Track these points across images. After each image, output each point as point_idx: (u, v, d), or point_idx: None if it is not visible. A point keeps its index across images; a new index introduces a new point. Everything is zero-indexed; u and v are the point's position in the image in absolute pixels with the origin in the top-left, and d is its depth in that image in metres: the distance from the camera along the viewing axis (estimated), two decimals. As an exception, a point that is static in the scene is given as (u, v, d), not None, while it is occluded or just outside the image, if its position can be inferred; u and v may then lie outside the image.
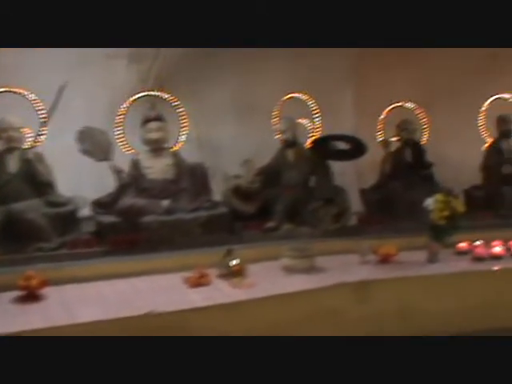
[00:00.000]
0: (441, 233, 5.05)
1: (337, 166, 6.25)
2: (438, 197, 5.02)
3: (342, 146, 5.86)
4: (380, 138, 6.47)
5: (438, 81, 7.32)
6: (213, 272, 4.63)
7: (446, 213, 4.94)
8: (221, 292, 4.33)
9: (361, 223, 5.89)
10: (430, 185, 6.09)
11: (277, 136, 6.00)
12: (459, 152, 7.23)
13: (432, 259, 5.13)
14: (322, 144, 5.82)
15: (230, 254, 4.68)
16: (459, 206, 5.04)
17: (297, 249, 4.87)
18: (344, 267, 4.95)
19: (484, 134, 6.75)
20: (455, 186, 6.42)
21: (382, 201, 6.02)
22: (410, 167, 6.19)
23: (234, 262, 4.60)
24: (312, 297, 4.37)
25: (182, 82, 6.46)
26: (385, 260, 5.11)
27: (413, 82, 7.21)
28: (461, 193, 6.45)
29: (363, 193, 6.20)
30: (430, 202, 5.01)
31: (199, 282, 4.45)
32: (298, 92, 6.26)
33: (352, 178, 6.99)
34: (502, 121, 6.59)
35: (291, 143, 5.93)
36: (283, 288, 4.39)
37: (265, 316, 4.10)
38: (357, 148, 5.79)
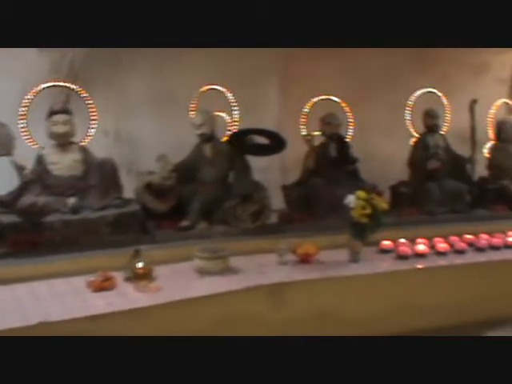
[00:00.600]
0: (362, 231, 4.84)
1: (260, 161, 6.02)
2: (360, 194, 4.81)
3: (262, 140, 5.58)
4: (304, 132, 6.18)
5: (368, 74, 7.16)
6: (120, 275, 4.32)
7: (367, 210, 4.74)
8: (125, 297, 4.03)
9: (281, 221, 5.63)
10: (355, 181, 5.89)
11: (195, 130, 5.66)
12: (389, 147, 7.10)
13: (354, 258, 4.94)
14: (239, 138, 5.53)
15: (137, 255, 4.36)
16: (381, 203, 4.85)
17: (210, 249, 4.59)
18: (261, 268, 4.71)
19: (411, 129, 6.57)
20: (384, 182, 6.32)
21: (304, 198, 5.75)
22: (334, 163, 5.95)
23: (140, 265, 4.29)
24: (225, 300, 4.12)
25: (98, 73, 6.10)
26: (304, 260, 4.88)
27: (341, 75, 7.03)
28: (387, 189, 6.30)
29: (285, 189, 5.93)
30: (350, 200, 4.80)
31: (103, 286, 4.13)
32: (218, 84, 5.94)
33: (276, 173, 6.76)
34: (427, 115, 6.43)
35: (208, 138, 5.59)
36: (194, 291, 4.12)
37: (172, 323, 3.84)
38: (276, 143, 5.52)
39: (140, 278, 4.23)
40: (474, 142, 6.29)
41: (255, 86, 6.60)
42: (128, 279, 4.30)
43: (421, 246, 5.17)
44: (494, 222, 6.18)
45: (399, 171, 6.51)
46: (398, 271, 4.80)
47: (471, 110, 6.28)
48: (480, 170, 6.74)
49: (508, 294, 4.97)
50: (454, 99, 6.87)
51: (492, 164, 6.71)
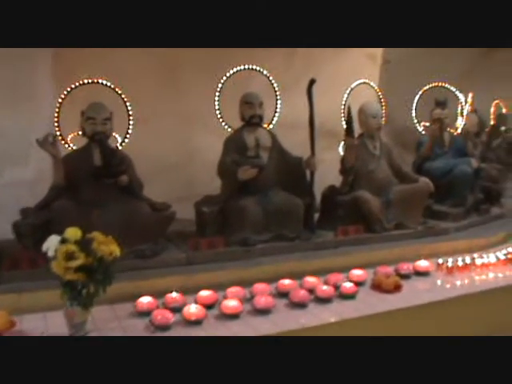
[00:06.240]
0: (81, 292, 2.98)
1: (24, 173, 4.59)
2: (68, 235, 2.94)
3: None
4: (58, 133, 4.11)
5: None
6: None
7: (77, 261, 2.87)
8: None
9: (3, 267, 3.63)
10: (131, 200, 4.02)
11: None
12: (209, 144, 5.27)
13: (75, 330, 3.06)
14: None
15: None
16: (108, 246, 2.99)
17: None
18: None
19: (223, 123, 4.71)
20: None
21: (43, 229, 3.73)
22: (97, 175, 4.00)
23: None
24: None
25: None
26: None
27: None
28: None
29: (23, 214, 3.91)
30: (51, 244, 2.93)
31: None
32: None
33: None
34: (244, 103, 4.56)
35: None
36: None
37: None
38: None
39: None
40: (313, 138, 4.50)
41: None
42: None
43: (192, 308, 3.32)
44: (340, 251, 4.43)
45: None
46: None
47: (308, 93, 4.50)
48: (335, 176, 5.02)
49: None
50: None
51: (344, 167, 4.89)
